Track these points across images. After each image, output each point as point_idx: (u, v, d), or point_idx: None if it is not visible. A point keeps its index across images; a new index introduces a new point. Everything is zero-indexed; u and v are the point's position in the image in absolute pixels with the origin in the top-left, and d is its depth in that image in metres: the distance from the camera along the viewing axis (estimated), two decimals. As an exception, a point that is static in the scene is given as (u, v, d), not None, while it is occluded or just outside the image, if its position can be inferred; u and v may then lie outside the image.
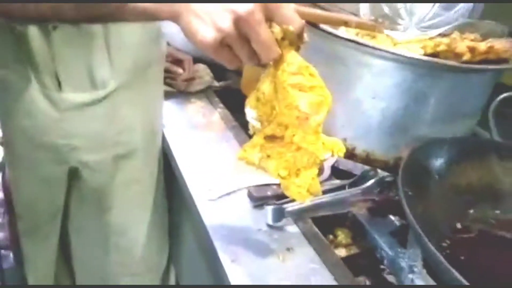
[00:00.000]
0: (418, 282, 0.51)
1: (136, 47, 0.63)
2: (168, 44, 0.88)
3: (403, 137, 0.66)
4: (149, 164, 0.71)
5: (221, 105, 0.85)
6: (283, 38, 0.41)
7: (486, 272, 0.56)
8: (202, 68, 0.92)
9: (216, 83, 0.92)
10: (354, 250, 0.58)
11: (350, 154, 0.70)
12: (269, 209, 0.55)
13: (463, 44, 0.64)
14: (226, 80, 0.95)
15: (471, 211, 0.64)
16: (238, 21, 0.38)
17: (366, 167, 0.66)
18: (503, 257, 0.59)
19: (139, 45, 0.64)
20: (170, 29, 0.84)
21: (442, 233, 0.60)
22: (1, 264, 0.93)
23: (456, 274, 0.43)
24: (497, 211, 0.65)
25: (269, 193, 0.59)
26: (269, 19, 0.40)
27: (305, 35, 0.42)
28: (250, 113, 0.44)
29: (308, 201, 0.58)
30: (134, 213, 0.71)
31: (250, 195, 0.59)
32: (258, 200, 0.58)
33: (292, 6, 0.41)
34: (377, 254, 0.57)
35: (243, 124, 0.75)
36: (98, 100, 0.61)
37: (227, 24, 0.39)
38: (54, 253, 0.72)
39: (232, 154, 0.69)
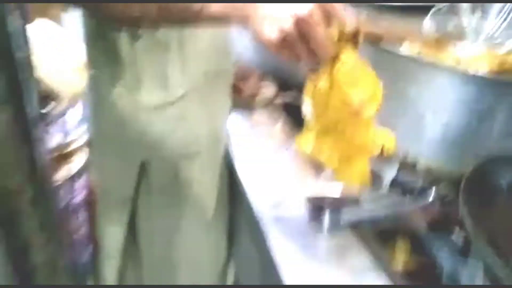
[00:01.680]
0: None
1: (206, 56, 0.71)
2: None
3: (465, 152, 0.66)
4: (211, 167, 0.77)
5: (282, 118, 0.89)
6: (339, 39, 0.44)
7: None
8: (267, 85, 0.96)
9: (279, 99, 0.96)
10: (412, 265, 0.59)
11: (411, 168, 0.70)
12: (326, 216, 0.57)
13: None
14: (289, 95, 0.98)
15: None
16: (299, 22, 0.43)
17: (426, 181, 0.67)
18: None
19: (209, 54, 0.71)
20: (239, 45, 0.91)
21: (507, 250, 0.58)
22: (77, 258, 1.02)
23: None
24: None
25: (326, 202, 0.61)
26: (327, 20, 0.44)
27: (360, 36, 0.45)
28: (307, 106, 0.47)
29: (366, 212, 0.60)
30: (194, 213, 0.76)
31: (308, 203, 0.61)
32: (316, 209, 0.60)
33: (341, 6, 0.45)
34: (436, 269, 0.56)
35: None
36: (169, 102, 0.69)
37: (288, 25, 0.43)
38: (123, 237, 0.79)
39: (291, 162, 0.73)
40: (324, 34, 0.43)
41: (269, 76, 0.99)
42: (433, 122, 0.66)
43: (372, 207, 0.61)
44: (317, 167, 0.71)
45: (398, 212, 0.61)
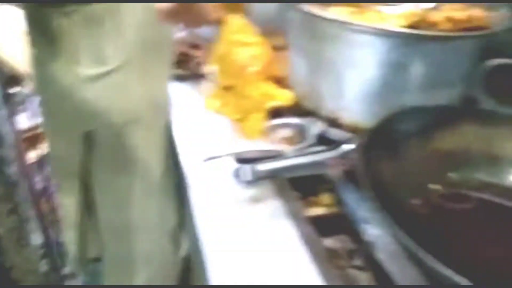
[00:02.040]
0: (371, 231, 0.55)
1: (143, 26, 0.74)
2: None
3: (383, 106, 0.70)
4: (153, 134, 0.81)
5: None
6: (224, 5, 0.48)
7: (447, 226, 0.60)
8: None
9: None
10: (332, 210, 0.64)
11: (338, 125, 0.75)
12: (243, 168, 0.62)
13: (440, 14, 0.67)
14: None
15: (451, 174, 0.67)
16: None
17: (350, 135, 0.72)
18: (468, 215, 0.62)
19: (145, 25, 0.74)
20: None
21: (414, 192, 0.63)
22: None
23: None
24: (478, 175, 0.67)
25: (248, 156, 0.66)
26: None
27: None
28: (212, 68, 0.52)
29: (285, 163, 0.65)
30: (141, 178, 0.82)
31: (235, 157, 0.66)
32: (242, 162, 0.65)
33: None
34: (346, 216, 0.62)
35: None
36: (105, 73, 0.73)
37: None
38: (78, 207, 0.85)
39: (227, 127, 0.78)
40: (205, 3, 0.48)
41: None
42: (352, 79, 0.71)
43: (292, 159, 0.66)
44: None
45: (316, 162, 0.65)
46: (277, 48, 0.86)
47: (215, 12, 0.49)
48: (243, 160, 0.65)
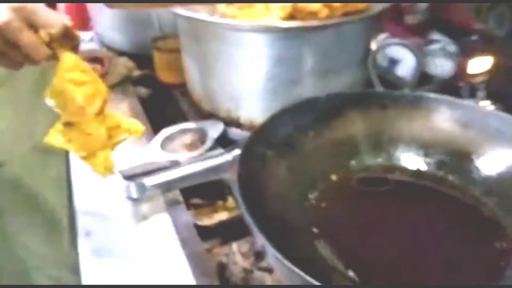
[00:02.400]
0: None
1: None
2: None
3: (278, 100, 0.68)
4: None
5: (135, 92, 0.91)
6: (52, 41, 0.45)
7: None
8: (121, 61, 0.96)
9: (136, 73, 0.97)
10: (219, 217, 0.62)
11: (237, 124, 0.73)
12: (130, 185, 0.58)
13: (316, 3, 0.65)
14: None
15: (352, 162, 0.65)
16: (0, 30, 0.42)
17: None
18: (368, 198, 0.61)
19: None
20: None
21: (314, 185, 0.61)
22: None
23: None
24: (380, 159, 0.66)
25: (139, 170, 0.62)
26: (29, 24, 0.44)
27: (75, 34, 0.46)
28: (50, 102, 0.49)
29: (179, 173, 0.62)
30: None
31: (122, 174, 0.63)
32: (128, 178, 0.62)
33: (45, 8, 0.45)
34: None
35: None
36: None
37: None
38: None
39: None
40: (29, 39, 0.43)
41: (127, 54, 1.00)
42: (242, 77, 0.68)
43: (185, 168, 0.63)
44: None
45: (211, 168, 0.63)
46: (173, 51, 0.84)
47: (43, 49, 0.45)
48: (130, 176, 0.62)
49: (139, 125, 0.52)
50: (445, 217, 0.58)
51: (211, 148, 0.69)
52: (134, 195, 0.58)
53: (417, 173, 0.64)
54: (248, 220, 0.42)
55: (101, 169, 0.50)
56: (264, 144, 0.58)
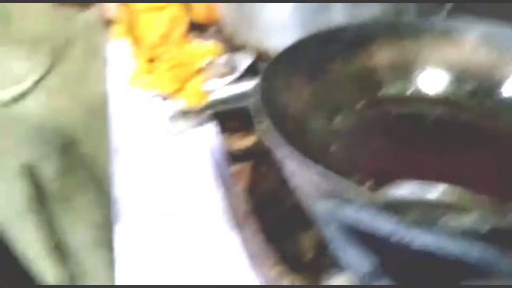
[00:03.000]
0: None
1: (41, 36, 0.66)
2: None
3: (305, 31, 0.67)
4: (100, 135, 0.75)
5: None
6: None
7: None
8: None
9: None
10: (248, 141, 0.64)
11: (267, 57, 0.74)
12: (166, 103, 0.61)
13: None
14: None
15: (380, 92, 0.65)
16: None
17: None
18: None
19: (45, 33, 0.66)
20: None
21: (339, 111, 0.62)
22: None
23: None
24: (409, 90, 0.65)
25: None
26: None
27: None
28: (123, 42, 0.50)
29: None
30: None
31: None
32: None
33: None
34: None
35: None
36: (23, 94, 0.66)
37: None
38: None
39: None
40: None
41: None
42: (271, 7, 0.68)
43: (216, 93, 0.65)
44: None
45: (239, 94, 0.65)
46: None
47: None
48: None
49: (214, 46, 0.53)
50: (477, 145, 0.57)
51: (241, 78, 0.71)
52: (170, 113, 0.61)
53: (447, 101, 0.62)
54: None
55: (194, 97, 0.51)
56: (288, 67, 0.59)
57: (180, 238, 0.47)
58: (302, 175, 0.50)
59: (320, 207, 0.44)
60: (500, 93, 0.60)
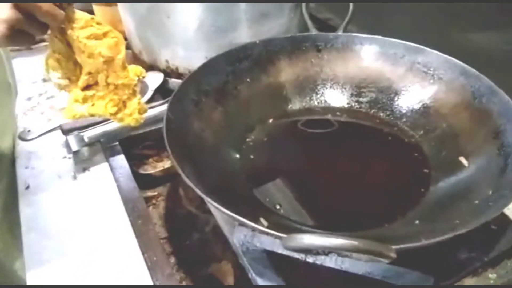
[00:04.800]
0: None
1: None
2: None
3: (213, 49, 0.68)
4: None
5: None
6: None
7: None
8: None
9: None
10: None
11: (177, 74, 0.73)
12: (69, 138, 0.59)
13: None
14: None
15: (290, 105, 0.67)
16: (17, 5, 0.40)
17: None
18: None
19: None
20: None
21: (251, 129, 0.63)
22: None
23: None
24: (315, 101, 0.68)
25: (81, 124, 0.63)
26: None
27: None
28: (54, 74, 0.48)
29: (115, 124, 0.62)
30: None
31: (61, 129, 0.63)
32: (67, 132, 0.62)
33: None
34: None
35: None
36: None
37: (7, 12, 0.39)
38: None
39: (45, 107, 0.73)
40: (48, 5, 0.41)
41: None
42: (177, 26, 0.68)
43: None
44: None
45: (151, 117, 0.64)
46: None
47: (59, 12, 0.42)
48: (70, 130, 0.62)
49: (141, 68, 0.53)
50: (375, 150, 0.62)
51: (152, 99, 0.69)
52: (74, 147, 0.59)
53: (350, 111, 0.66)
54: (177, 167, 0.44)
55: (136, 116, 0.52)
56: (198, 89, 0.59)
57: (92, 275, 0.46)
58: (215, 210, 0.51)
59: (236, 236, 0.45)
60: (396, 103, 0.64)
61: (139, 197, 0.54)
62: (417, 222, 0.48)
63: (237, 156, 0.58)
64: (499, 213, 0.40)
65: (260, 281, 0.42)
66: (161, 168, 0.64)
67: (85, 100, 0.49)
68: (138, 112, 0.53)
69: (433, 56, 0.62)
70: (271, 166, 0.59)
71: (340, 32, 0.70)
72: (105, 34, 0.47)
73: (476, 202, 0.45)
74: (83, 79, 0.47)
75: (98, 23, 0.47)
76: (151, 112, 0.63)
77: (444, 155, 0.56)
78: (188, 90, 0.57)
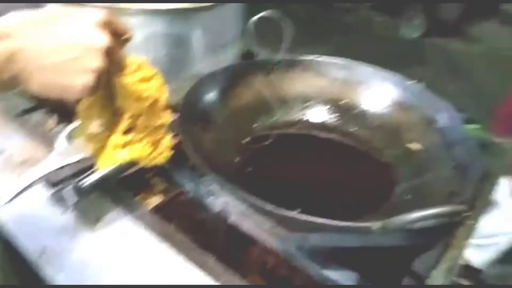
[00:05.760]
0: (217, 201, 0.59)
1: None
2: None
3: (176, 80, 0.71)
4: None
5: None
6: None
7: (270, 172, 0.67)
8: None
9: None
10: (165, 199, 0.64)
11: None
12: (66, 191, 0.55)
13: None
14: None
15: (255, 125, 0.74)
16: (107, 53, 0.37)
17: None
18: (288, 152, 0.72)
19: None
20: None
21: (235, 152, 0.69)
22: None
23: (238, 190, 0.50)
24: (273, 118, 0.76)
25: (67, 173, 0.59)
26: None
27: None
28: (95, 124, 0.47)
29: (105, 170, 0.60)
30: None
31: (47, 182, 0.58)
32: (57, 185, 0.57)
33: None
34: (184, 191, 0.63)
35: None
36: None
37: (99, 61, 0.37)
38: None
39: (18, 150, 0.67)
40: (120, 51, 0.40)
41: None
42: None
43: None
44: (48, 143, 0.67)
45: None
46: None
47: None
48: (58, 182, 0.58)
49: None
50: (332, 156, 0.73)
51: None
52: (72, 200, 0.55)
53: (304, 123, 0.77)
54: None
55: (164, 155, 0.53)
56: (189, 122, 0.62)
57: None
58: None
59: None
60: (342, 110, 0.77)
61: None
62: (408, 197, 0.60)
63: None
64: (478, 176, 0.55)
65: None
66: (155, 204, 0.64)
67: (124, 145, 0.48)
68: (168, 150, 0.55)
69: (360, 69, 0.77)
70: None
71: (283, 55, 0.80)
72: (152, 77, 0.48)
73: (446, 173, 0.60)
74: (125, 124, 0.47)
75: (146, 67, 0.48)
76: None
77: (395, 146, 0.71)
78: (183, 122, 0.59)
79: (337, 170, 0.70)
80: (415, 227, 0.45)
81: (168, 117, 0.53)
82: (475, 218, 0.61)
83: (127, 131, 0.49)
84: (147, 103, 0.48)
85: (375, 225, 0.46)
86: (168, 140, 0.54)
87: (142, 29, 0.65)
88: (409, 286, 0.51)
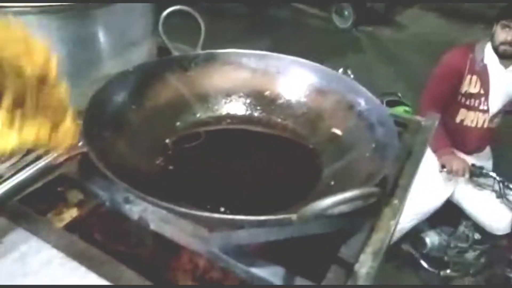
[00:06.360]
0: (135, 208, 0.55)
1: None
2: None
3: (86, 83, 0.66)
4: None
5: None
6: None
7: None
8: None
9: None
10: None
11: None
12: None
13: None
14: None
15: (178, 123, 0.71)
16: None
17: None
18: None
19: None
20: None
21: (155, 153, 0.65)
22: None
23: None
24: (196, 116, 0.73)
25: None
26: None
27: None
28: None
29: (10, 183, 0.55)
30: None
31: None
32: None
33: None
34: (100, 201, 0.59)
35: None
36: None
37: None
38: None
39: None
40: None
41: None
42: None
43: (23, 173, 0.56)
44: None
45: (40, 169, 0.58)
46: None
47: None
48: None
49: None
50: (259, 149, 0.71)
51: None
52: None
53: (229, 117, 0.74)
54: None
55: (68, 136, 0.48)
56: (96, 127, 0.57)
57: None
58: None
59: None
60: (265, 101, 0.75)
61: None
62: (332, 183, 0.60)
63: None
64: (395, 155, 0.55)
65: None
66: (71, 218, 0.59)
67: (12, 122, 0.43)
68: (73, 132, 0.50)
69: (278, 59, 0.76)
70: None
71: (199, 51, 0.77)
72: (31, 52, 0.43)
73: (367, 154, 0.60)
74: (7, 102, 0.42)
75: (30, 38, 0.43)
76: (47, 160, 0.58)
77: (320, 132, 0.70)
78: (90, 127, 0.55)
79: (265, 163, 0.68)
80: (335, 213, 0.44)
81: (63, 96, 0.48)
82: (400, 197, 0.61)
83: (14, 117, 0.43)
84: (31, 80, 0.43)
85: (294, 215, 0.44)
86: (69, 124, 0.49)
87: (35, 29, 0.59)
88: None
